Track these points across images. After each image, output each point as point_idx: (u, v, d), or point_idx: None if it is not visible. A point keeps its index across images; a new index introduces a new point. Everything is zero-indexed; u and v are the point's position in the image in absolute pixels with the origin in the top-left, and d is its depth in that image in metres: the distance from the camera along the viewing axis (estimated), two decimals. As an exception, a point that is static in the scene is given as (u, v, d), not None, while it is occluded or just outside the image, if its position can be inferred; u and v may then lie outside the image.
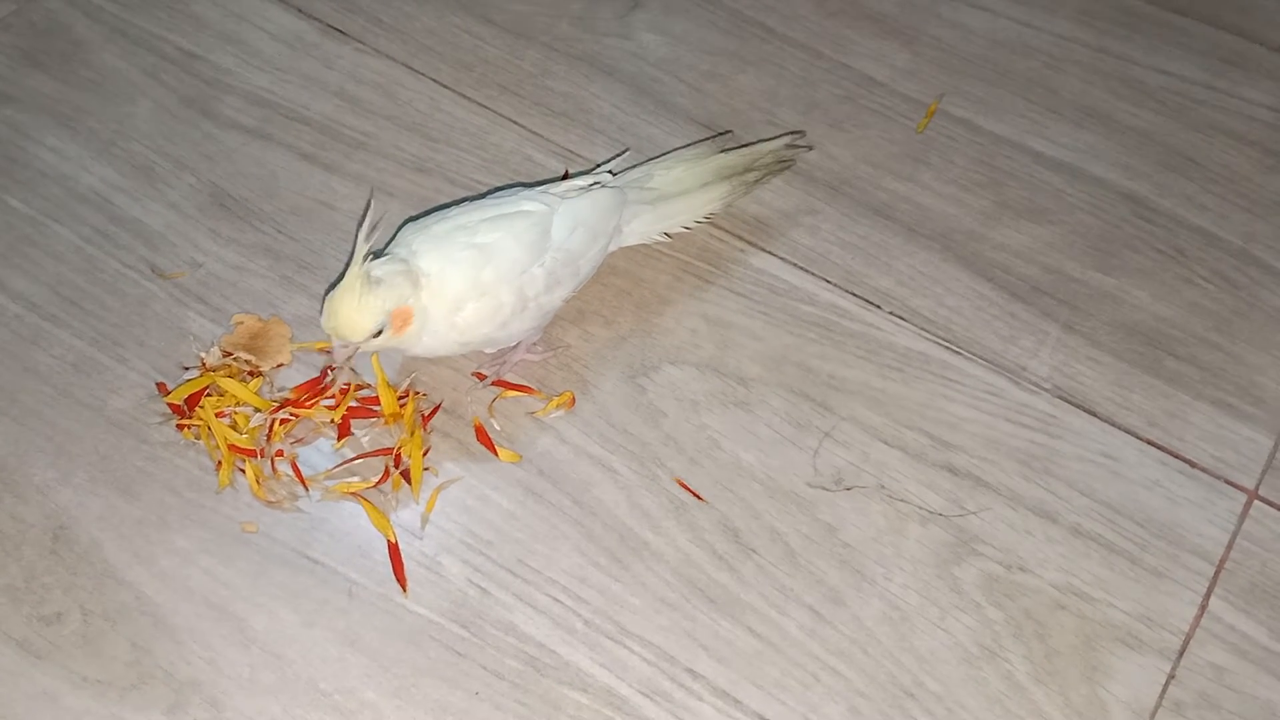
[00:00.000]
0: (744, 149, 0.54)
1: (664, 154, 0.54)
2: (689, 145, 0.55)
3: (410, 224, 0.47)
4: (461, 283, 0.45)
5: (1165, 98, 0.62)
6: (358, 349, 0.44)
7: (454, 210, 0.47)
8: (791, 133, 0.56)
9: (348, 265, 0.43)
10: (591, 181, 0.50)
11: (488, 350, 0.49)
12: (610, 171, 0.52)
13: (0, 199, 0.55)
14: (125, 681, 0.42)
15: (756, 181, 0.54)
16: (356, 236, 0.43)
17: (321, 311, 0.44)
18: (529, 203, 0.48)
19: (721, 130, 0.58)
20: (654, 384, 0.50)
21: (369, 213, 0.43)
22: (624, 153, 0.57)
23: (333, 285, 0.44)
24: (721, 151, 0.54)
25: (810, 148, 0.58)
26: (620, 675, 0.43)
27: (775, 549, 0.46)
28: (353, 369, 0.50)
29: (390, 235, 0.49)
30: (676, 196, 0.52)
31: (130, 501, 0.46)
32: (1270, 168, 0.60)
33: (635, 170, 0.52)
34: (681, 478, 0.48)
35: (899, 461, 0.49)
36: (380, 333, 0.44)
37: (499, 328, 0.47)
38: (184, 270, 0.53)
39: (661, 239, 0.53)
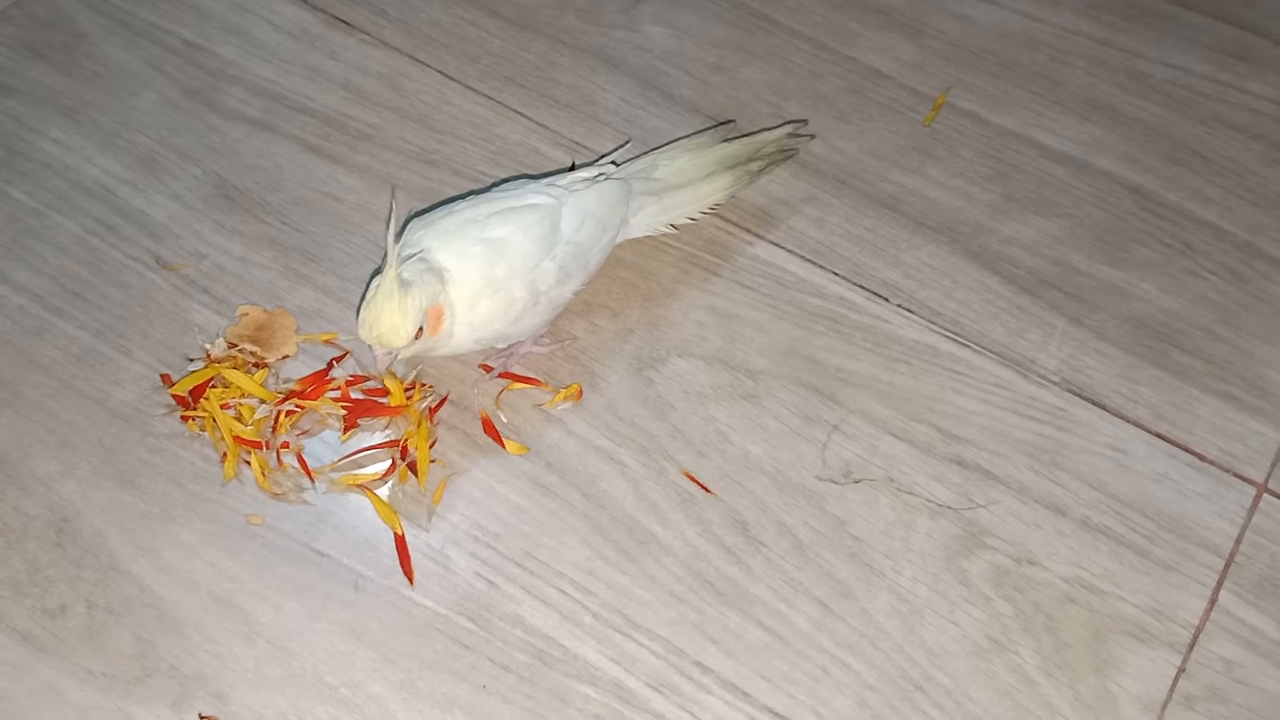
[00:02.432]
0: (747, 138, 0.54)
1: (667, 144, 0.54)
2: (691, 135, 0.55)
3: (416, 219, 0.47)
4: (476, 279, 0.45)
5: (1171, 91, 0.62)
6: (397, 355, 0.44)
7: (460, 204, 0.47)
8: (793, 121, 0.56)
9: (374, 275, 0.43)
10: (596, 173, 0.50)
11: (499, 346, 0.49)
12: (614, 162, 0.52)
13: (3, 191, 0.55)
14: (130, 675, 0.42)
15: (760, 171, 0.54)
16: (386, 240, 0.42)
17: (359, 322, 0.43)
18: (536, 196, 0.47)
19: (724, 120, 0.58)
20: (661, 376, 0.50)
21: (393, 215, 0.42)
22: (626, 143, 0.56)
23: (362, 297, 0.43)
24: (724, 141, 0.53)
25: (813, 136, 0.58)
26: (629, 668, 0.43)
27: (784, 542, 0.46)
28: (356, 360, 0.50)
29: (402, 230, 0.49)
30: (681, 187, 0.52)
31: (134, 494, 0.46)
32: (1276, 161, 0.60)
33: (639, 161, 0.52)
34: (689, 470, 0.47)
35: (907, 454, 0.48)
36: (420, 334, 0.43)
37: (511, 323, 0.46)
38: (188, 262, 0.53)
39: (668, 230, 0.53)
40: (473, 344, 0.47)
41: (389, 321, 0.42)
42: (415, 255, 0.44)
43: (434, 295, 0.43)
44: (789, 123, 0.56)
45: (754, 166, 0.53)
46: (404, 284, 0.42)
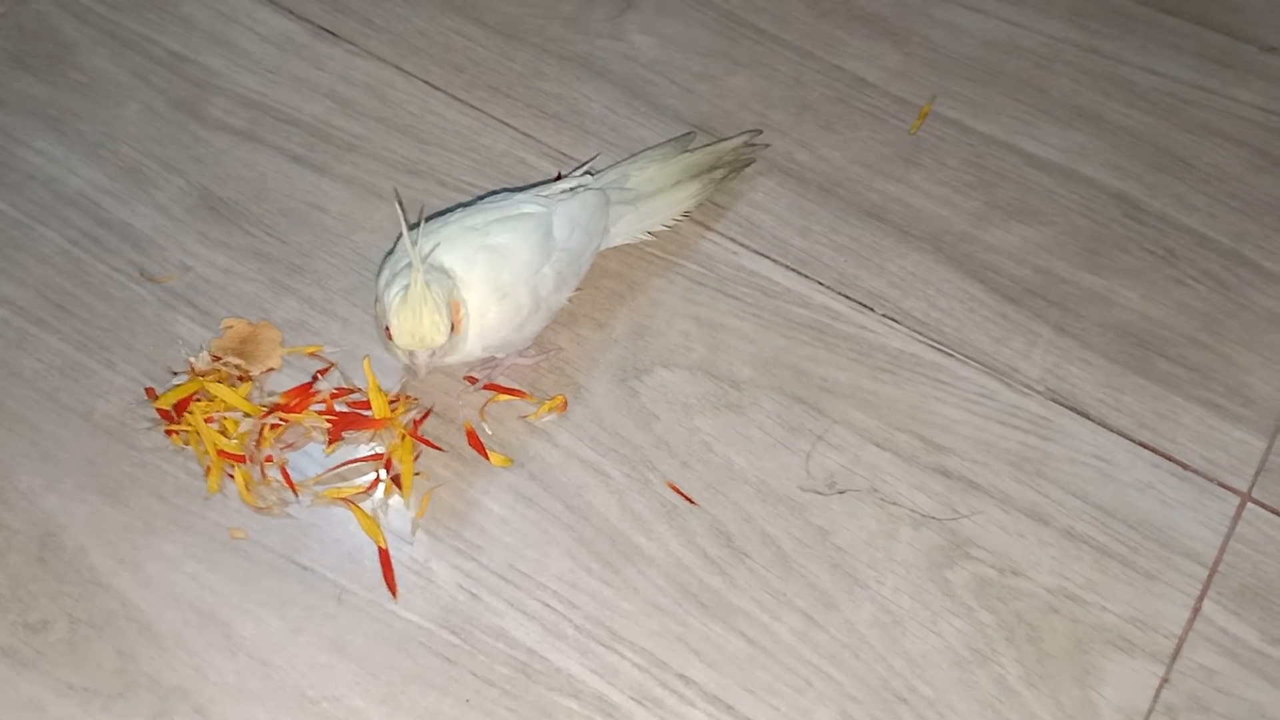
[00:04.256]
0: (707, 148, 0.55)
1: (634, 155, 0.54)
2: (656, 146, 0.55)
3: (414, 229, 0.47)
4: (483, 286, 0.45)
5: (1155, 98, 0.62)
6: (432, 356, 0.43)
7: (456, 214, 0.47)
8: (749, 131, 0.57)
9: (382, 285, 0.43)
10: (575, 184, 0.50)
11: (500, 355, 0.49)
12: (589, 173, 0.52)
13: (-14, 202, 0.55)
14: (111, 689, 0.42)
15: (724, 178, 0.55)
16: (407, 244, 0.42)
17: (395, 331, 0.42)
18: (528, 205, 0.48)
19: (688, 131, 0.58)
20: (646, 387, 0.50)
21: (405, 218, 0.42)
22: (595, 156, 0.57)
23: (378, 310, 0.43)
24: (687, 151, 0.54)
25: (768, 145, 0.58)
26: (611, 681, 0.43)
27: (767, 553, 0.46)
28: (341, 373, 0.49)
29: (393, 242, 0.49)
30: (653, 196, 0.53)
31: (118, 508, 0.46)
32: (1260, 168, 0.60)
33: (611, 172, 0.53)
34: (673, 481, 0.47)
35: (891, 464, 0.48)
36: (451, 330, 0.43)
37: (516, 329, 0.47)
38: (173, 274, 0.53)
39: (645, 238, 0.53)
40: (480, 351, 0.47)
41: (430, 319, 0.42)
42: (428, 255, 0.44)
43: (449, 291, 0.43)
44: (745, 133, 0.57)
45: (717, 174, 0.54)
46: (425, 284, 0.42)
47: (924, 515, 0.47)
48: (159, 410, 0.47)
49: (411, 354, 0.43)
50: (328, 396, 0.48)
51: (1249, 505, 0.48)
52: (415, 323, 0.42)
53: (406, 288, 0.42)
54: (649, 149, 0.55)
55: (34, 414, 0.48)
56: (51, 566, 0.44)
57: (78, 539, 0.45)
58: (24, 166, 0.56)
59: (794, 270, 0.55)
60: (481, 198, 0.51)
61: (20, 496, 0.46)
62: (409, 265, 0.43)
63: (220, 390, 0.47)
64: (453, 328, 0.43)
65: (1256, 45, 0.65)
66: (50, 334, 0.50)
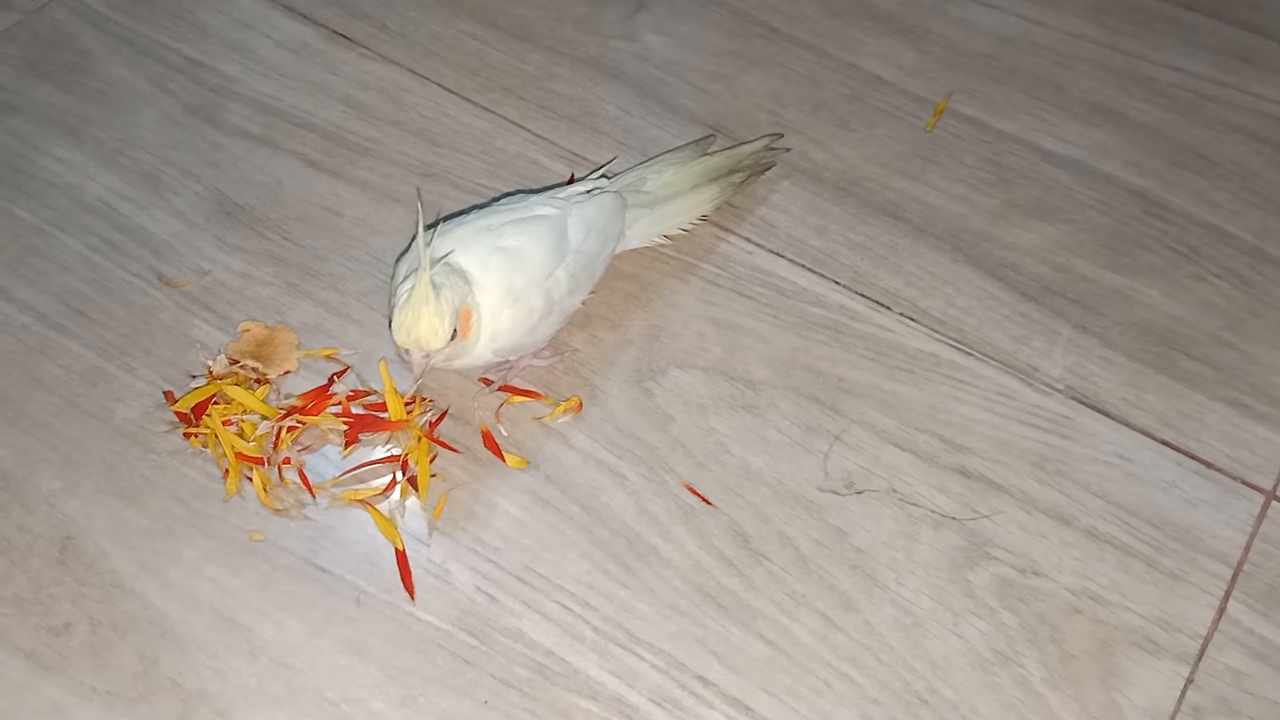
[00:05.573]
0: (726, 151, 0.55)
1: (652, 159, 0.54)
2: (674, 150, 0.55)
3: (429, 229, 0.47)
4: (498, 289, 0.45)
5: (1175, 94, 0.62)
6: (432, 360, 0.43)
7: (470, 216, 0.47)
8: (770, 134, 0.57)
9: (396, 282, 0.43)
10: (591, 187, 0.50)
11: (512, 358, 0.49)
12: (605, 176, 0.52)
13: (7, 209, 0.55)
14: (133, 692, 0.42)
15: (743, 182, 0.55)
16: (420, 245, 0.42)
17: (394, 328, 0.42)
18: (542, 207, 0.48)
19: (707, 134, 0.58)
20: (661, 388, 0.50)
21: (421, 218, 0.43)
22: (613, 160, 0.57)
23: (391, 307, 0.43)
24: (706, 155, 0.54)
25: (788, 149, 0.58)
26: (630, 683, 0.43)
27: (785, 554, 0.46)
28: (358, 375, 0.50)
29: (406, 245, 0.50)
30: (670, 199, 0.52)
31: (137, 511, 0.46)
32: (1283, 164, 0.59)
33: (628, 175, 0.53)
34: (690, 483, 0.47)
35: (910, 465, 0.48)
36: (453, 336, 0.43)
37: (529, 333, 0.47)
38: (190, 278, 0.53)
39: (661, 241, 0.53)
40: (491, 354, 0.47)
41: (428, 323, 0.42)
42: (440, 259, 0.44)
43: (463, 296, 0.43)
44: (766, 135, 0.56)
45: (736, 178, 0.54)
46: (435, 287, 0.42)
47: (944, 516, 0.47)
48: (177, 414, 0.48)
49: (408, 352, 0.43)
50: (344, 399, 0.48)
51: (1274, 504, 0.48)
52: (413, 323, 0.42)
53: (414, 288, 0.42)
54: (667, 152, 0.55)
55: (55, 419, 0.48)
56: (73, 570, 0.44)
57: (98, 542, 0.45)
58: (43, 174, 0.56)
59: (810, 270, 0.54)
60: (497, 199, 0.51)
61: (41, 500, 0.46)
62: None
63: (238, 393, 0.47)
64: (460, 334, 0.43)
65: (1277, 40, 0.64)
66: (71, 339, 0.51)
